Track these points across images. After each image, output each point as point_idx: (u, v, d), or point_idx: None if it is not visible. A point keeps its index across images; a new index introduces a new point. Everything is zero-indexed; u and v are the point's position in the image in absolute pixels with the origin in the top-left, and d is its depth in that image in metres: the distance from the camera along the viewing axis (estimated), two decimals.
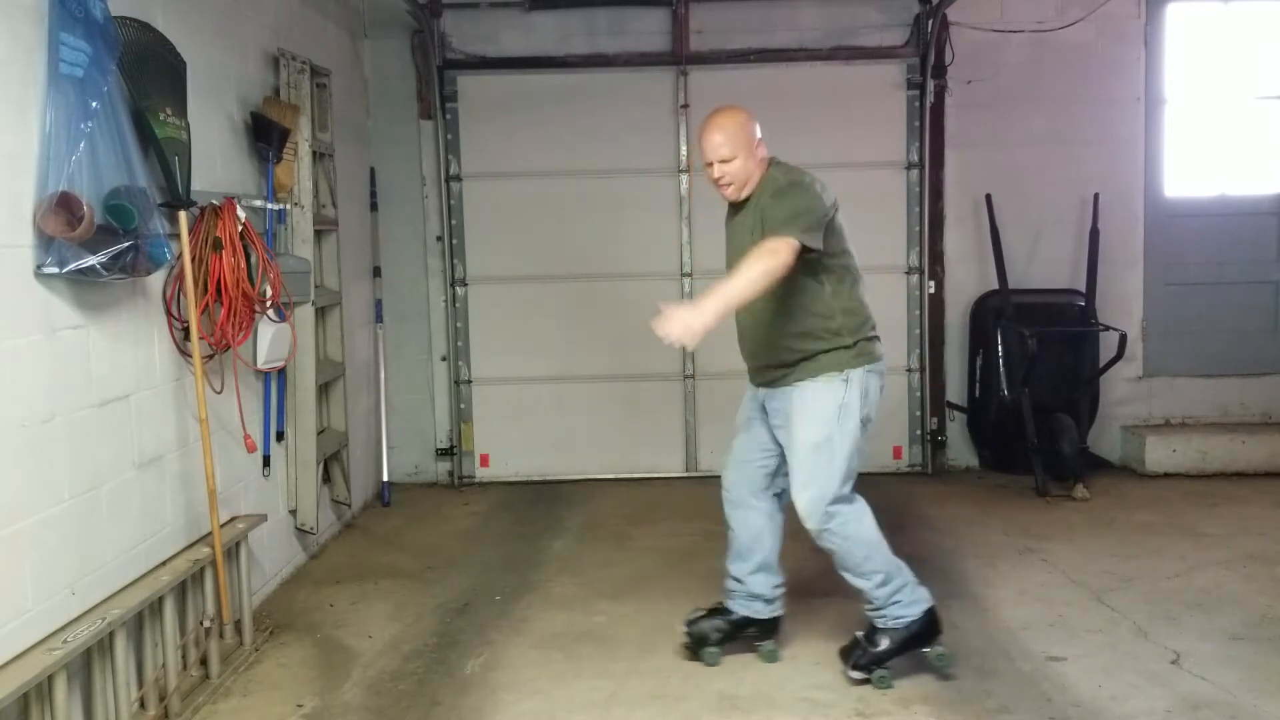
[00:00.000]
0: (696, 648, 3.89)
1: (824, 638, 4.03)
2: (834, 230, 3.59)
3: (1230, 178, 6.72)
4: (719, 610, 3.94)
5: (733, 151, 3.57)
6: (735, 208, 3.75)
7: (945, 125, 6.58)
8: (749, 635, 3.92)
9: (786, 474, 3.73)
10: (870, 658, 3.65)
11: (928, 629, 3.70)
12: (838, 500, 3.59)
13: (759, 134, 3.65)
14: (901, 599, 3.66)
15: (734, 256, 3.66)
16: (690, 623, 3.93)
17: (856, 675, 3.65)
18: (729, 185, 3.63)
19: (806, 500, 3.58)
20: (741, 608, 3.90)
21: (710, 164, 3.61)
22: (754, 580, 3.86)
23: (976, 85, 6.57)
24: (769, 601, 3.89)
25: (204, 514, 3.89)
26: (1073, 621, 4.17)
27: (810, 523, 3.58)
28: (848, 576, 3.69)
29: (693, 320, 3.25)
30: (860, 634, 3.71)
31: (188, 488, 3.90)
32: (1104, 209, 6.45)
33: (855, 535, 3.63)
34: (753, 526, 3.84)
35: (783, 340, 3.63)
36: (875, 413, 3.74)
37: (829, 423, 3.58)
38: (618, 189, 6.60)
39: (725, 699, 3.58)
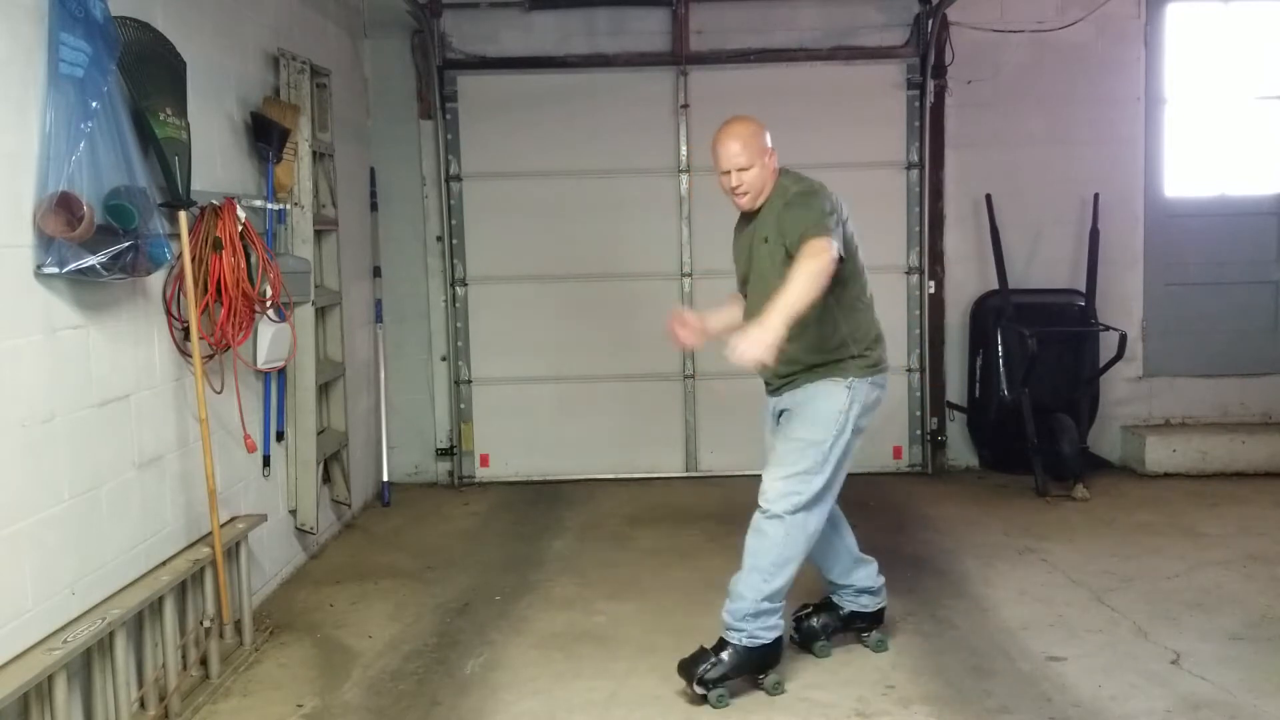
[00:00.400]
0: (808, 642, 3.91)
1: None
2: (846, 241, 3.59)
3: (1230, 178, 6.72)
4: (827, 605, 3.97)
5: (749, 160, 3.59)
6: (746, 217, 3.76)
7: (945, 125, 6.58)
8: (857, 628, 3.98)
9: None
10: (718, 672, 3.54)
11: (772, 657, 3.63)
12: (814, 502, 3.57)
13: (770, 143, 3.67)
14: (771, 622, 3.59)
15: (746, 264, 3.73)
16: (799, 618, 3.93)
17: (699, 690, 3.53)
18: (745, 194, 3.64)
19: (780, 485, 3.55)
20: (850, 604, 3.95)
21: (727, 172, 3.62)
22: (853, 578, 3.91)
23: (976, 85, 6.57)
24: (874, 593, 3.94)
25: (204, 514, 3.89)
26: (1073, 621, 4.17)
27: (773, 505, 3.53)
28: (741, 575, 3.59)
29: (765, 337, 3.26)
30: (708, 647, 3.61)
31: (188, 488, 3.90)
32: (1104, 209, 6.45)
33: (796, 542, 3.56)
34: (821, 536, 3.73)
35: (791, 351, 3.55)
36: (870, 421, 3.75)
37: (828, 426, 3.59)
38: (618, 189, 6.60)
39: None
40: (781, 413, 3.75)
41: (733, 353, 3.28)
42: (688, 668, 3.59)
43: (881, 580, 3.96)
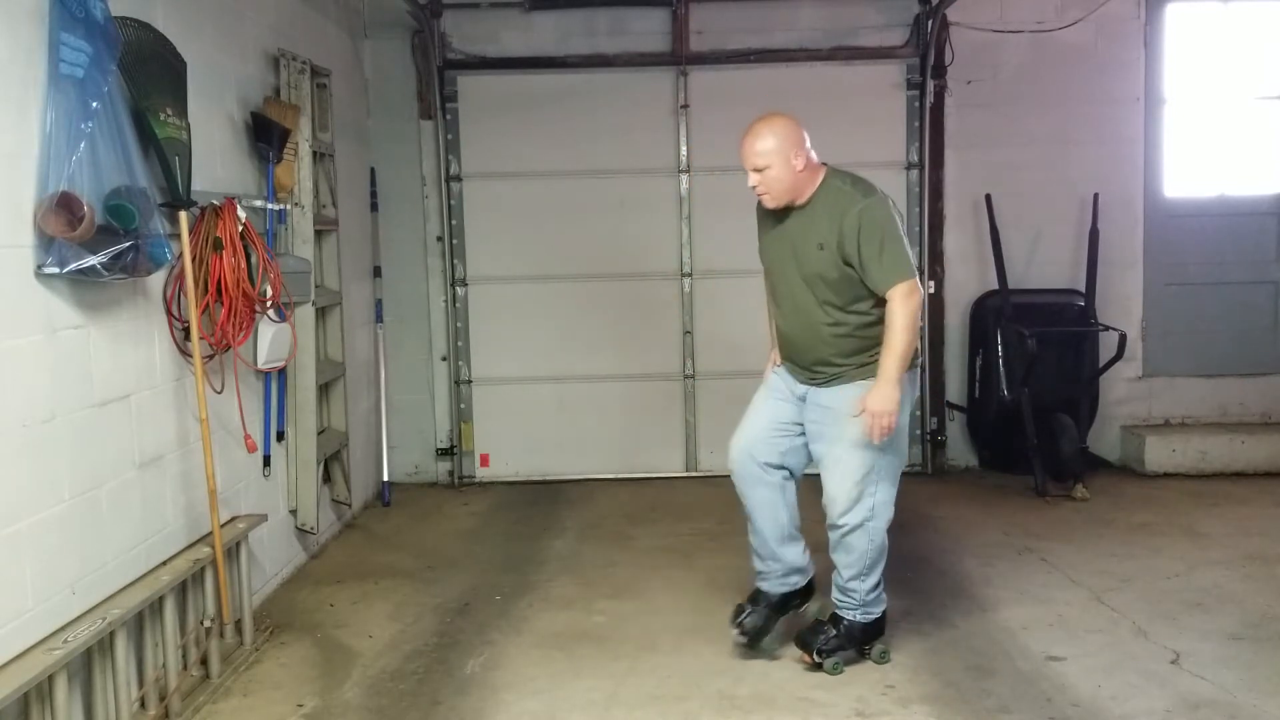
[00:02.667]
0: (756, 640, 3.92)
1: None
2: None
3: (1230, 178, 6.72)
4: (757, 597, 3.96)
5: (767, 161, 3.58)
6: (780, 214, 3.73)
7: (945, 125, 6.58)
8: (793, 607, 4.00)
9: (795, 457, 3.83)
10: (834, 644, 3.75)
11: (880, 628, 3.86)
12: (889, 501, 3.69)
13: (806, 141, 3.66)
14: (880, 596, 3.82)
15: (786, 263, 3.73)
16: (739, 622, 3.91)
17: (816, 659, 3.73)
18: (764, 194, 3.67)
19: (852, 492, 3.63)
20: (778, 586, 3.94)
21: (748, 171, 3.65)
22: (785, 553, 3.88)
23: (976, 85, 6.57)
24: (803, 570, 3.95)
25: (204, 514, 3.89)
26: (1073, 621, 4.17)
27: (849, 518, 3.65)
28: (847, 580, 3.76)
29: (888, 407, 3.48)
30: (827, 628, 3.79)
31: (188, 488, 3.90)
32: (1104, 209, 6.45)
33: (880, 532, 3.72)
34: (767, 501, 3.83)
35: (844, 352, 3.67)
36: (910, 412, 3.82)
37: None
38: (618, 189, 6.60)
39: (725, 699, 3.58)
40: (808, 400, 3.76)
41: (870, 430, 3.48)
42: (805, 639, 3.77)
43: (808, 557, 3.94)
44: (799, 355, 3.78)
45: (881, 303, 3.58)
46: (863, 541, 3.68)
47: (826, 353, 3.68)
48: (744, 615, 3.92)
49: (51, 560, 3.10)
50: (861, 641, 3.80)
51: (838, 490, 3.66)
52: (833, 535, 3.73)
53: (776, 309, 3.87)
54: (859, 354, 3.67)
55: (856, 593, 3.77)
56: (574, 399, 6.74)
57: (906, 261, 3.54)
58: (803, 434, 3.81)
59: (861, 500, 3.64)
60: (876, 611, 3.82)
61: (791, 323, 3.77)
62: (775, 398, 3.87)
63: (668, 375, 6.69)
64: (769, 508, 3.84)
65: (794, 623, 3.95)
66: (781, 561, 3.90)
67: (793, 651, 3.89)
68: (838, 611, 3.81)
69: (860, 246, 3.53)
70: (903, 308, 3.50)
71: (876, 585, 3.78)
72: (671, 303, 6.63)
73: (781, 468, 3.84)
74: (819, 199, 3.64)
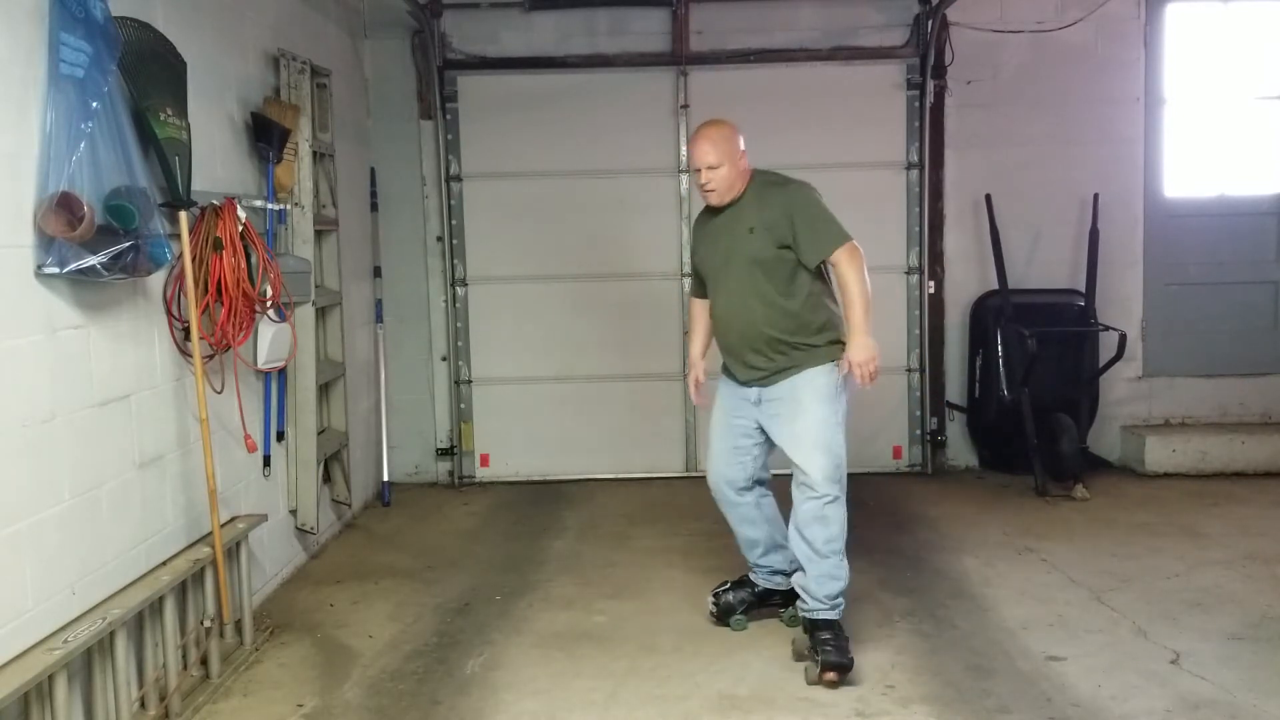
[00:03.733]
0: (724, 616, 4.17)
1: None
2: None
3: (1230, 178, 6.72)
4: (744, 582, 4.23)
5: (718, 159, 3.85)
6: (714, 211, 4.01)
7: (945, 125, 6.58)
8: (773, 604, 4.22)
9: (761, 465, 4.08)
10: (837, 642, 3.71)
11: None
12: (843, 471, 3.85)
13: (743, 145, 3.94)
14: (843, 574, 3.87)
15: (720, 254, 3.97)
16: (717, 594, 4.22)
17: (839, 675, 3.64)
18: (712, 190, 3.90)
19: (824, 467, 3.77)
20: (764, 582, 4.20)
21: (698, 170, 3.89)
22: (769, 560, 4.14)
23: (976, 85, 6.57)
24: (788, 574, 4.09)
25: (204, 514, 3.90)
26: (1073, 621, 4.17)
27: (828, 487, 3.77)
28: (825, 556, 3.78)
29: (869, 354, 3.76)
30: (827, 637, 3.72)
31: (188, 488, 3.90)
32: (1104, 209, 6.45)
33: (844, 507, 3.85)
34: (747, 517, 4.11)
35: (783, 338, 3.88)
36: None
37: (834, 400, 3.87)
38: (618, 189, 6.60)
39: (725, 699, 3.58)
40: (762, 400, 3.95)
41: (861, 379, 3.75)
42: (843, 665, 3.65)
43: (796, 564, 3.97)
44: (744, 355, 3.95)
45: (814, 285, 3.88)
46: (838, 512, 3.80)
47: (771, 344, 3.88)
48: (724, 589, 4.21)
49: (51, 560, 3.10)
50: (775, 604, 4.11)
51: (807, 460, 3.78)
52: (810, 509, 3.78)
53: (716, 313, 4.05)
54: (801, 341, 3.88)
55: (841, 579, 3.78)
56: (574, 399, 6.74)
57: (839, 228, 3.83)
58: (763, 436, 4.00)
59: (839, 467, 3.81)
60: (841, 603, 3.82)
61: (733, 321, 3.96)
62: (731, 416, 4.06)
63: (668, 375, 6.68)
64: (749, 525, 4.12)
65: (766, 616, 4.12)
66: (766, 566, 4.17)
67: (790, 649, 3.89)
68: (816, 617, 3.78)
69: (795, 224, 3.82)
70: (849, 266, 3.78)
71: (843, 559, 3.83)
72: (671, 303, 6.63)
73: (753, 486, 4.09)
74: (748, 193, 3.93)
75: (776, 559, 4.13)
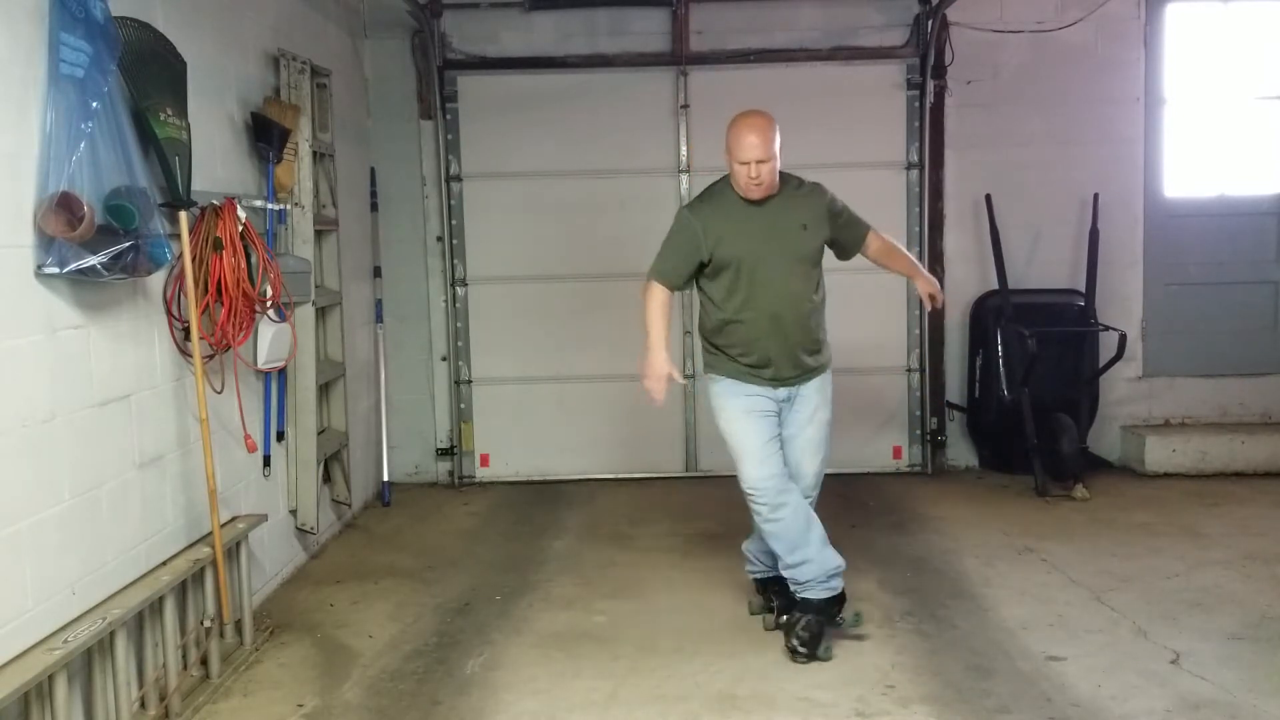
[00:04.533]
0: (814, 646, 3.85)
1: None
2: None
3: (1230, 178, 6.72)
4: (783, 592, 4.07)
5: (767, 153, 3.82)
6: (739, 211, 3.94)
7: (945, 125, 6.58)
8: (833, 614, 4.03)
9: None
10: (816, 628, 3.85)
11: (843, 594, 4.03)
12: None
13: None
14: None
15: (761, 250, 3.91)
16: (793, 627, 3.89)
17: (819, 653, 3.83)
18: (760, 185, 3.86)
19: (821, 470, 4.04)
20: (822, 591, 3.94)
21: (746, 163, 3.83)
22: (828, 554, 3.94)
23: (976, 85, 6.57)
24: (841, 572, 3.99)
25: (204, 514, 3.90)
26: (1073, 621, 4.17)
27: (816, 488, 4.05)
28: (822, 552, 3.91)
29: (937, 286, 4.15)
30: (800, 620, 3.86)
31: (188, 488, 3.90)
32: (1104, 209, 6.45)
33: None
34: (800, 507, 3.94)
35: (814, 335, 4.02)
36: None
37: (832, 406, 4.10)
38: (618, 189, 6.60)
39: (725, 699, 3.58)
40: (793, 399, 4.00)
41: (933, 304, 4.12)
42: (802, 640, 3.82)
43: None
44: (783, 350, 3.94)
45: (819, 283, 4.05)
46: (813, 510, 4.00)
47: (813, 341, 3.99)
48: (794, 619, 3.90)
49: (51, 560, 3.10)
50: (834, 614, 3.97)
51: (813, 468, 4.02)
52: (805, 505, 3.97)
53: (753, 312, 3.92)
54: (824, 339, 4.07)
55: (833, 560, 3.92)
56: (574, 399, 6.74)
57: (861, 217, 4.14)
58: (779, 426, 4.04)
59: (821, 473, 4.07)
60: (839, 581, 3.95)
61: (774, 315, 3.91)
62: (763, 414, 3.97)
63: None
64: (803, 514, 3.93)
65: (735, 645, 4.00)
66: (825, 565, 3.92)
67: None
68: (807, 596, 3.92)
69: (838, 223, 4.04)
70: (883, 239, 4.17)
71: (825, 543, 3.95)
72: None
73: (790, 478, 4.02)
74: (785, 190, 3.97)
75: (831, 556, 3.99)
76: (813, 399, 3.99)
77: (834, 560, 3.93)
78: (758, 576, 4.26)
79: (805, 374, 3.98)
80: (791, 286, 3.92)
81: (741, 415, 3.96)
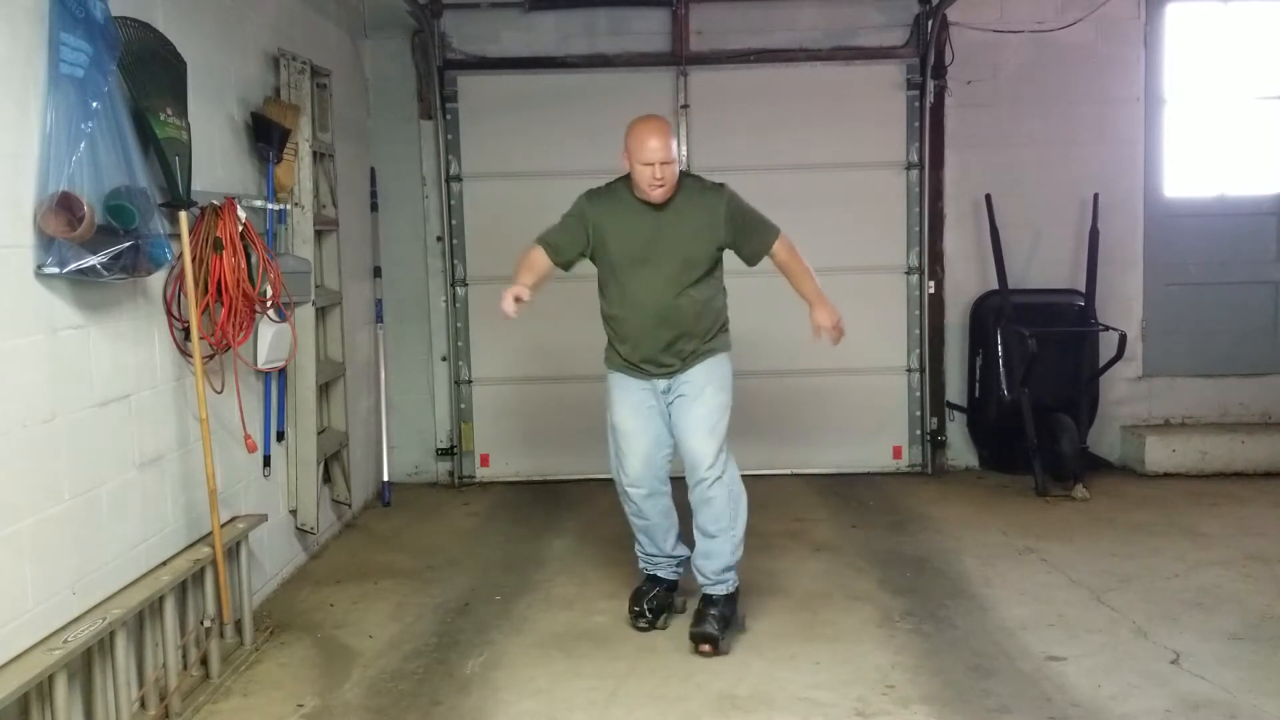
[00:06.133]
0: (657, 618, 4.20)
1: (823, 638, 4.04)
2: None
3: (1230, 178, 6.72)
4: (655, 580, 4.31)
5: (671, 156, 3.92)
6: (629, 213, 4.04)
7: (945, 125, 6.58)
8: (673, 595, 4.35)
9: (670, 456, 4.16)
10: (724, 623, 3.99)
11: (737, 594, 4.16)
12: (728, 451, 4.04)
13: None
14: (739, 556, 4.10)
15: (642, 249, 4.01)
16: (641, 606, 4.21)
17: (720, 646, 3.93)
18: (663, 187, 3.93)
19: (713, 449, 3.97)
20: (672, 575, 4.32)
21: (651, 164, 3.89)
22: (680, 549, 4.27)
23: (976, 85, 6.57)
24: (684, 563, 4.29)
25: (204, 514, 3.90)
26: (1072, 621, 4.17)
27: (714, 469, 3.97)
28: (712, 535, 4.02)
29: (838, 315, 4.04)
30: (712, 613, 3.98)
31: (188, 488, 3.90)
32: (1104, 209, 6.45)
33: (736, 482, 4.06)
34: (664, 508, 4.20)
35: (699, 326, 4.04)
36: None
37: (730, 388, 4.10)
38: None
39: (725, 699, 3.58)
40: (671, 390, 4.07)
41: (832, 340, 4.03)
42: (704, 633, 3.93)
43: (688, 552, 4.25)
44: (657, 346, 4.02)
45: (720, 278, 4.12)
46: (722, 492, 3.98)
47: (687, 335, 4.01)
48: (648, 596, 4.23)
49: (51, 560, 3.10)
50: (733, 611, 4.09)
51: (701, 446, 3.97)
52: (697, 493, 4.01)
53: (627, 308, 4.06)
54: (710, 329, 4.07)
55: (724, 555, 4.02)
56: (574, 399, 6.73)
57: (769, 222, 4.10)
58: (667, 424, 4.11)
59: (720, 451, 3.98)
60: (736, 577, 4.10)
61: (653, 315, 4.00)
62: (644, 409, 4.10)
63: None
64: (666, 516, 4.21)
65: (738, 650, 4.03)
66: (675, 556, 4.28)
67: (791, 650, 3.91)
68: (710, 591, 4.05)
69: (735, 228, 4.02)
70: (792, 252, 4.10)
71: (740, 544, 4.06)
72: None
73: (667, 480, 4.20)
74: (680, 195, 4.00)
75: (683, 547, 4.27)
76: (698, 380, 4.02)
77: (682, 550, 4.25)
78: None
79: (687, 362, 4.04)
80: (666, 288, 3.97)
81: (625, 408, 4.12)
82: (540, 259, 4.16)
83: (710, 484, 3.97)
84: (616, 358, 4.15)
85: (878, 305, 6.53)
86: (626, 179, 4.08)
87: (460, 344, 6.71)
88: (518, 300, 3.94)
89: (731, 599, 4.09)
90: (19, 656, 2.88)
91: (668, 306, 3.98)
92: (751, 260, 4.12)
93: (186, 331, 3.78)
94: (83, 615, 3.18)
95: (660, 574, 4.30)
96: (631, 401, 4.10)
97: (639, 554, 4.35)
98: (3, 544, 2.90)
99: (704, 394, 4.01)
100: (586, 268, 6.44)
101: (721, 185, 4.08)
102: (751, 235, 4.06)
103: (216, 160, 4.25)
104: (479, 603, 4.57)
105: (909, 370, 6.70)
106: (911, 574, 4.75)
